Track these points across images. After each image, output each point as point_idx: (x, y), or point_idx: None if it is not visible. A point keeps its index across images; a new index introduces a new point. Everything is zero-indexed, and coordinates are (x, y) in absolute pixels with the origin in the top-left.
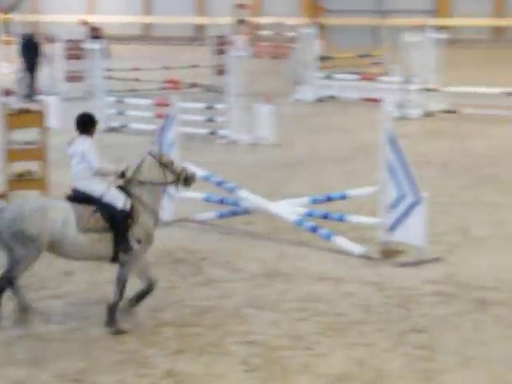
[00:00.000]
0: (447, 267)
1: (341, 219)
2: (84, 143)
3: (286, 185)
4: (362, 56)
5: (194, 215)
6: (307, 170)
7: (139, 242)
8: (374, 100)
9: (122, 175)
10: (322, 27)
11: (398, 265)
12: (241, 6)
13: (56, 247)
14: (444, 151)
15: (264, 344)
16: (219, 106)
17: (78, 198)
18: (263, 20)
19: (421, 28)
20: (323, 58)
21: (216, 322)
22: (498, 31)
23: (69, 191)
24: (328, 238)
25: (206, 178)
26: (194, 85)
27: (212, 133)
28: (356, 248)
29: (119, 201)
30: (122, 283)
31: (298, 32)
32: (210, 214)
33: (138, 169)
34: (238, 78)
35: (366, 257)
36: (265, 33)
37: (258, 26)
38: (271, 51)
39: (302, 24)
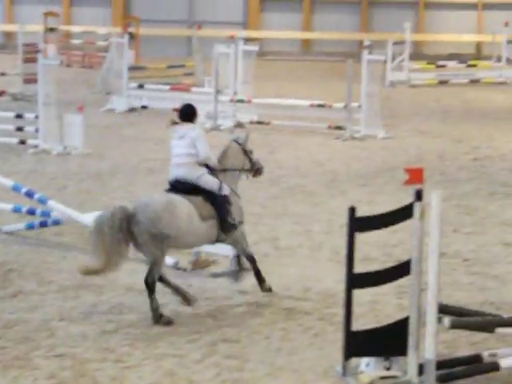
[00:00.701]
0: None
1: None
2: (195, 130)
3: (98, 195)
4: (174, 66)
5: (2, 226)
6: (119, 180)
7: (238, 221)
8: None
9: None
10: (134, 37)
11: (209, 275)
12: (51, 14)
13: (179, 240)
14: None
15: (73, 357)
16: (29, 115)
17: (183, 188)
18: (74, 28)
19: (232, 40)
20: (135, 68)
21: (23, 336)
22: (306, 44)
23: (171, 179)
24: None
25: (15, 189)
26: (2, 93)
27: (22, 142)
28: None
29: (220, 187)
30: (250, 256)
31: (110, 41)
32: (18, 225)
33: (224, 155)
34: (48, 87)
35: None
36: (76, 41)
37: (69, 35)
38: (82, 60)
39: (113, 33)
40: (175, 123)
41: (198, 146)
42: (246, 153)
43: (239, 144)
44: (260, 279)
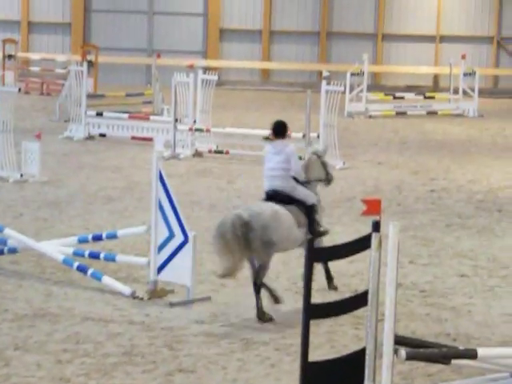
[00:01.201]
0: (214, 307)
1: (110, 259)
2: (290, 147)
3: (55, 223)
4: (133, 95)
5: None
6: (76, 208)
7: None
8: (145, 139)
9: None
10: (93, 65)
11: (166, 305)
12: (9, 41)
13: (281, 245)
14: (213, 191)
15: None
16: None
17: (279, 197)
18: (33, 56)
19: (191, 69)
20: (94, 96)
21: None
22: (265, 74)
23: (268, 190)
24: (96, 277)
25: None
26: None
27: None
28: (124, 288)
29: (310, 197)
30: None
31: (69, 69)
32: None
33: (307, 167)
34: (6, 114)
35: (134, 297)
36: (34, 69)
37: (28, 62)
38: (41, 87)
39: (72, 61)
40: (270, 139)
41: (292, 162)
42: (324, 165)
43: (318, 156)
44: (329, 278)
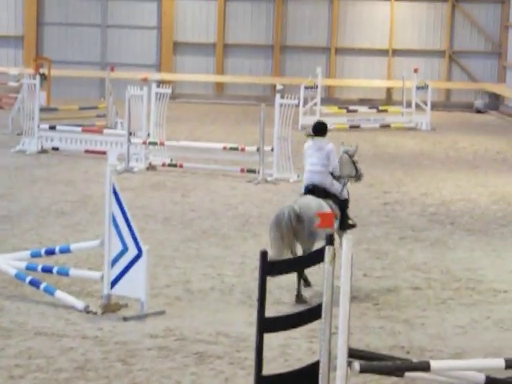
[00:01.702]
0: (168, 321)
1: (63, 273)
2: (329, 145)
3: (7, 238)
4: (86, 108)
5: None
6: (29, 222)
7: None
8: (99, 152)
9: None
10: (46, 78)
11: (120, 319)
12: None
13: (322, 236)
14: (167, 204)
15: None
16: None
17: (317, 191)
18: None
19: (145, 82)
20: (47, 109)
21: None
22: (219, 87)
23: (308, 184)
24: (49, 292)
25: None
26: None
27: None
28: (77, 302)
29: (344, 193)
30: None
31: (21, 82)
32: None
33: (340, 165)
34: None
35: (87, 311)
36: None
37: None
38: None
39: (25, 74)
40: (311, 136)
41: (331, 159)
42: (354, 163)
43: (349, 155)
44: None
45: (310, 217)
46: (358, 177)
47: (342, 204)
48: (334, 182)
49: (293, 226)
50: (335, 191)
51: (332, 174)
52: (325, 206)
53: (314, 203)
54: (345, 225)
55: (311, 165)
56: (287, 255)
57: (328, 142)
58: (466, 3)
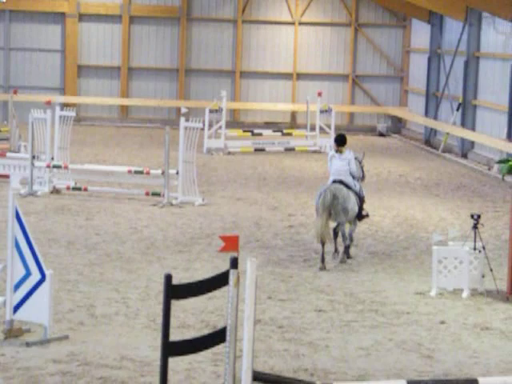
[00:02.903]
0: (72, 346)
1: None
2: (350, 154)
3: None
4: None
5: None
6: None
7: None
8: (2, 176)
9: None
10: None
11: (23, 344)
12: None
13: (350, 214)
14: (71, 228)
15: None
16: None
17: (343, 184)
18: None
19: (48, 105)
20: None
21: None
22: (124, 110)
23: (335, 179)
24: None
25: None
26: None
27: None
28: None
29: (362, 191)
30: (352, 238)
31: None
32: None
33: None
34: None
35: None
36: None
37: None
38: None
39: None
40: (338, 150)
41: (352, 164)
42: (362, 167)
43: (359, 161)
44: (348, 254)
45: (343, 195)
46: (363, 178)
47: (360, 200)
48: (356, 182)
49: (334, 204)
50: (356, 190)
51: (352, 175)
52: (350, 193)
53: (344, 187)
54: (360, 216)
55: (337, 170)
56: (325, 231)
57: (349, 152)
58: (369, 28)
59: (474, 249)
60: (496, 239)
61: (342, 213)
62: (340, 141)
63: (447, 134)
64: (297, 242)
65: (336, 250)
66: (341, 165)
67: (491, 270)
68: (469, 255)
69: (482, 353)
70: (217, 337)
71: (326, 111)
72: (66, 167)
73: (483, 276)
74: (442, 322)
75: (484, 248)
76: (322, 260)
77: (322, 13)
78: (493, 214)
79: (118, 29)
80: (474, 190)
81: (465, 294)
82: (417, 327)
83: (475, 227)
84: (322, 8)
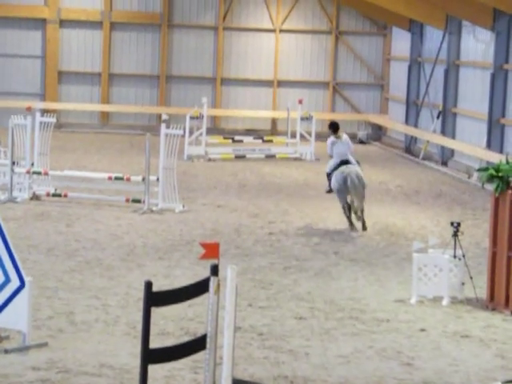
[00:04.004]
0: (51, 353)
1: None
2: (346, 136)
3: None
4: None
5: None
6: None
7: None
8: None
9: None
10: None
11: (1, 351)
12: None
13: (364, 191)
14: (51, 235)
15: None
16: None
17: (348, 163)
18: None
19: (29, 111)
20: None
21: None
22: (104, 117)
23: (342, 159)
24: None
25: None
26: None
27: None
28: None
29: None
30: (363, 209)
31: None
32: None
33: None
34: None
35: None
36: None
37: None
38: None
39: None
40: (337, 137)
41: (350, 145)
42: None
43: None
44: (364, 223)
45: (358, 175)
46: (358, 162)
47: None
48: (351, 158)
49: (358, 183)
50: (355, 163)
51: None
52: (361, 172)
53: (355, 166)
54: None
55: (341, 152)
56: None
57: (344, 135)
58: (349, 36)
59: (454, 256)
60: (476, 247)
61: (363, 189)
62: (336, 127)
63: (427, 141)
64: (277, 249)
65: (352, 224)
66: (343, 148)
67: (471, 278)
68: (449, 263)
69: (461, 361)
70: (197, 344)
71: (306, 118)
72: (46, 173)
73: (463, 284)
74: (422, 330)
75: (464, 256)
76: (352, 223)
77: (302, 20)
78: (472, 222)
79: (99, 35)
80: (453, 198)
81: (445, 302)
82: (397, 335)
83: (455, 235)
84: (302, 15)
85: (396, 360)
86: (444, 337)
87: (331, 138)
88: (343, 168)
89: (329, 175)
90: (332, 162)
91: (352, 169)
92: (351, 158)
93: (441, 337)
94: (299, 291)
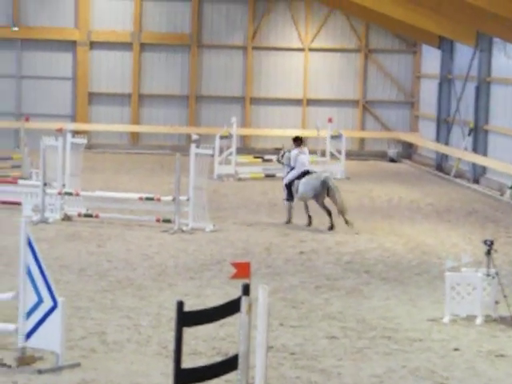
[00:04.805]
0: (84, 373)
1: None
2: (306, 149)
3: None
4: (1, 158)
5: None
6: None
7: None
8: (14, 203)
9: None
10: None
11: (35, 372)
12: None
13: (340, 193)
14: (82, 255)
15: None
16: None
17: (309, 172)
18: None
19: (60, 132)
20: None
21: None
22: (135, 137)
23: (305, 169)
24: None
25: None
26: None
27: None
28: None
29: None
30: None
31: None
32: None
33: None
34: None
35: (2, 364)
36: None
37: None
38: None
39: None
40: (301, 147)
41: (303, 161)
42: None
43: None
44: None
45: (332, 180)
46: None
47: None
48: (313, 168)
49: (335, 185)
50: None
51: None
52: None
53: (330, 174)
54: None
55: (305, 161)
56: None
57: (305, 148)
58: (379, 54)
59: (488, 275)
60: (509, 265)
61: (337, 193)
62: (301, 140)
63: (459, 159)
64: (308, 268)
65: (332, 225)
66: (307, 158)
67: (505, 297)
68: (482, 281)
69: (496, 380)
70: (229, 364)
71: (336, 137)
72: (77, 194)
73: (497, 302)
74: (456, 349)
75: (497, 274)
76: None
77: (331, 39)
78: (505, 240)
79: (129, 56)
80: (486, 216)
81: (478, 321)
82: (430, 354)
83: (488, 253)
84: (331, 34)
85: (430, 380)
86: (478, 356)
87: (295, 151)
88: (315, 175)
89: (288, 186)
90: (292, 174)
91: (325, 174)
92: (313, 168)
93: (475, 356)
94: (331, 310)
